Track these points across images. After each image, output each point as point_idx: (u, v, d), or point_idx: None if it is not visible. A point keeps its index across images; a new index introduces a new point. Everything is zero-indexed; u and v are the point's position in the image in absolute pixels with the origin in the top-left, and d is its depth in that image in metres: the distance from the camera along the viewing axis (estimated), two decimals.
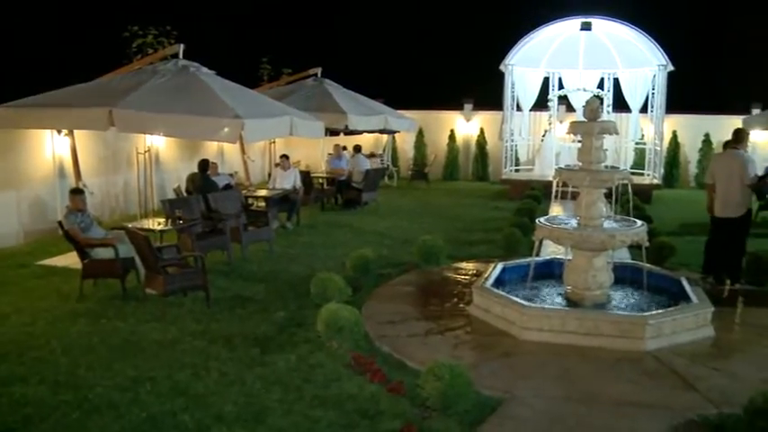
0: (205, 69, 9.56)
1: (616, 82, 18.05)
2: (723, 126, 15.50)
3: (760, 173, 9.19)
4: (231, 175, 13.55)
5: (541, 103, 18.55)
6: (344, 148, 16.34)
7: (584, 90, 16.96)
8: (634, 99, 17.68)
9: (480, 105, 20.52)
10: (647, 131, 17.96)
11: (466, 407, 4.70)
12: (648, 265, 7.14)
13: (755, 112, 17.24)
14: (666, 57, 15.98)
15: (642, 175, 17.07)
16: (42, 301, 7.31)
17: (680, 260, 9.01)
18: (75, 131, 10.34)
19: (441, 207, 14.79)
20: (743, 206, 7.91)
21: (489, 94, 18.79)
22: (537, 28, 16.41)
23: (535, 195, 14.07)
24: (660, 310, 6.29)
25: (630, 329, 5.98)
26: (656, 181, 16.74)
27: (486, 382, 5.14)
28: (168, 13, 15.79)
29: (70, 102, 8.81)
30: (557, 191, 7.17)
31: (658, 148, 16.97)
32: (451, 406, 4.66)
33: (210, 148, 15.39)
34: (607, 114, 16.94)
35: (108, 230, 8.22)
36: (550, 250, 8.77)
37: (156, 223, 8.90)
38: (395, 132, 17.75)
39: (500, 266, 7.64)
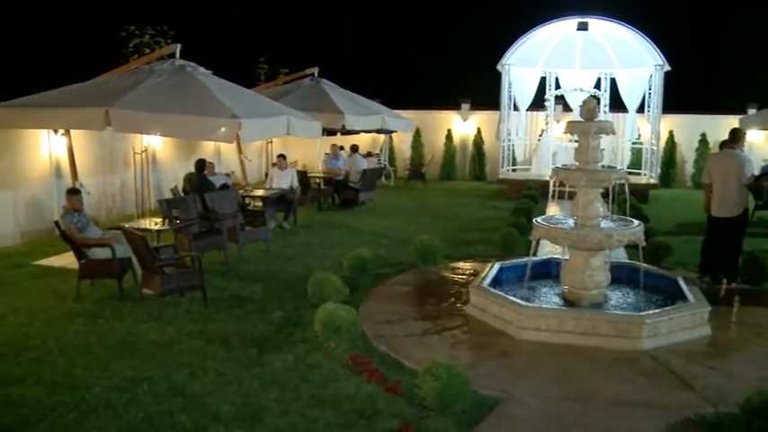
0: (202, 69, 9.55)
1: (613, 82, 18.09)
2: (720, 126, 15.49)
3: (756, 173, 9.23)
4: (228, 174, 13.51)
5: (538, 103, 18.57)
6: (341, 147, 16.35)
7: (581, 90, 16.98)
8: (631, 99, 17.72)
9: (477, 105, 20.53)
10: (644, 131, 17.99)
11: (463, 406, 4.70)
12: (645, 264, 7.15)
13: (752, 111, 17.32)
14: (663, 57, 16.00)
15: (639, 174, 17.08)
16: (39, 301, 7.30)
17: (677, 260, 9.04)
18: (72, 131, 10.31)
19: (438, 207, 14.80)
20: (739, 206, 7.93)
21: (486, 93, 18.84)
22: (534, 28, 16.43)
23: (532, 195, 14.08)
24: (657, 310, 6.30)
25: (627, 329, 5.99)
26: (652, 181, 16.79)
27: (484, 382, 5.14)
28: (165, 12, 15.81)
29: (67, 101, 8.79)
30: (554, 190, 7.16)
31: (655, 148, 17.01)
32: (449, 406, 4.66)
33: (207, 148, 15.35)
34: (604, 114, 17.01)
35: (105, 230, 8.23)
36: (547, 250, 8.79)
37: (153, 223, 8.90)
38: (392, 132, 17.71)
39: (497, 266, 7.65)
